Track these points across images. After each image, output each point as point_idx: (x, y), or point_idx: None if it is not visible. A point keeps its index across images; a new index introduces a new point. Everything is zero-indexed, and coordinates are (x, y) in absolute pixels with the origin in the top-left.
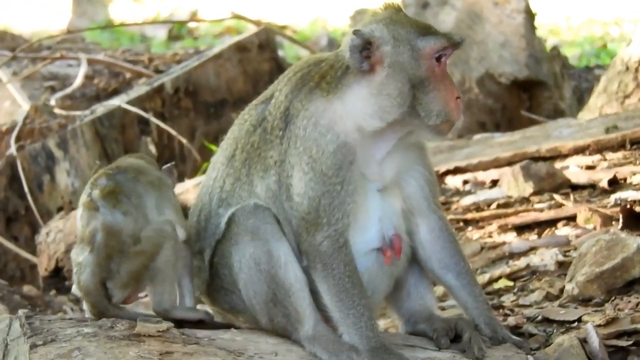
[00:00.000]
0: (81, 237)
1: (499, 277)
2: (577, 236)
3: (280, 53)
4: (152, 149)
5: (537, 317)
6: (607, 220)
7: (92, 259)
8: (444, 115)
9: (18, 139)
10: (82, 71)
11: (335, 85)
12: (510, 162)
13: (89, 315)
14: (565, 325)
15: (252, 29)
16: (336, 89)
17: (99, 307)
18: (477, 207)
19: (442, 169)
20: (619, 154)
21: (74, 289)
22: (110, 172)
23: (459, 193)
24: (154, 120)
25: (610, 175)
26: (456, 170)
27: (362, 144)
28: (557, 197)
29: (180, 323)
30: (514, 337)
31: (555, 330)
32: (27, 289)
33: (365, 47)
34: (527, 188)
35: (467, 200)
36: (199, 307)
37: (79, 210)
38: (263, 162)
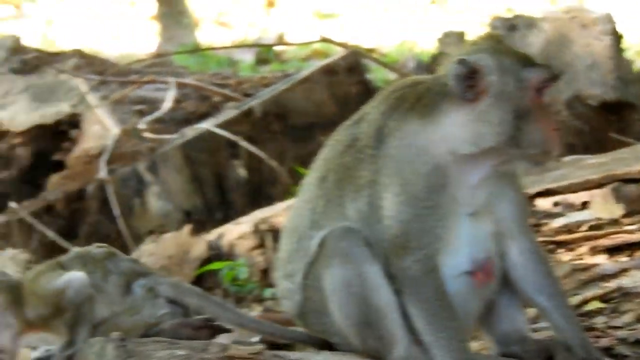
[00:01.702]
0: None
1: (591, 299)
2: None
3: (368, 76)
4: (242, 172)
5: (630, 338)
6: None
7: None
8: (544, 146)
9: (108, 162)
10: (171, 95)
11: (432, 109)
12: (600, 184)
13: None
14: None
15: (339, 52)
16: (432, 113)
17: None
18: (568, 229)
19: (533, 190)
20: None
21: None
22: None
23: (549, 215)
24: (244, 143)
25: None
26: (547, 192)
27: (456, 168)
28: None
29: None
30: (606, 359)
31: None
32: None
33: (470, 76)
34: (618, 210)
35: (557, 222)
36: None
37: None
38: (355, 182)
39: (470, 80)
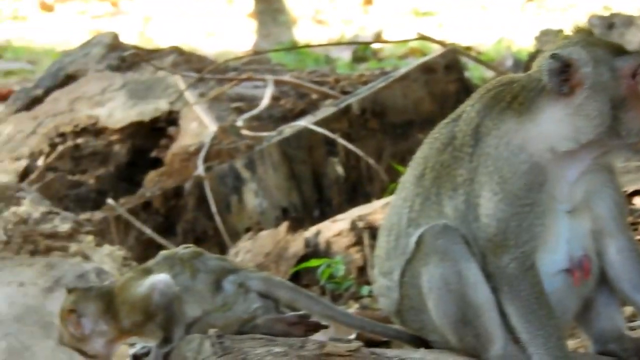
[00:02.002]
0: None
1: None
2: None
3: (466, 74)
4: (339, 169)
5: None
6: None
7: None
8: None
9: (206, 160)
10: (268, 92)
11: (528, 106)
12: None
13: None
14: None
15: (437, 50)
16: (529, 111)
17: None
18: None
19: (630, 189)
20: None
21: None
22: None
23: None
24: (341, 141)
25: None
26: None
27: (554, 166)
28: None
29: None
30: None
31: None
32: None
33: (564, 70)
34: None
35: None
36: None
37: None
38: (452, 180)
39: (564, 75)
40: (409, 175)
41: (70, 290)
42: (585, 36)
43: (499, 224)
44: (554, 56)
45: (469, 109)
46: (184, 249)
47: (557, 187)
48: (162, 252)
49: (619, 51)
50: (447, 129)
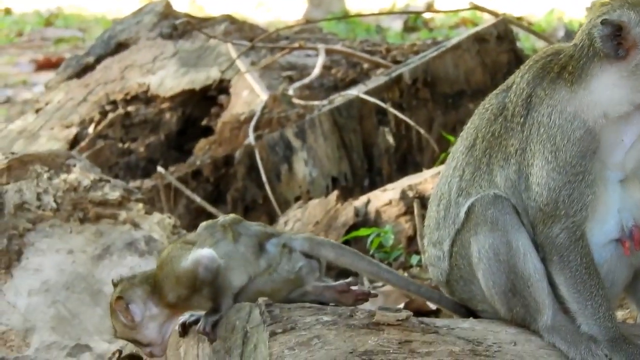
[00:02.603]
0: None
1: None
2: None
3: (517, 45)
4: (390, 139)
5: None
6: None
7: None
8: None
9: (256, 128)
10: (320, 61)
11: (579, 75)
12: None
13: None
14: None
15: (489, 20)
16: (580, 79)
17: None
18: None
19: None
20: None
21: None
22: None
23: None
24: (392, 110)
25: None
26: None
27: (607, 132)
28: None
29: None
30: None
31: None
32: None
33: (616, 34)
34: None
35: None
36: None
37: None
38: (504, 150)
39: (617, 39)
40: (459, 145)
41: (116, 283)
42: None
43: (551, 193)
44: (604, 22)
45: (518, 79)
46: (224, 217)
47: (610, 155)
48: (202, 223)
49: None
50: (497, 100)
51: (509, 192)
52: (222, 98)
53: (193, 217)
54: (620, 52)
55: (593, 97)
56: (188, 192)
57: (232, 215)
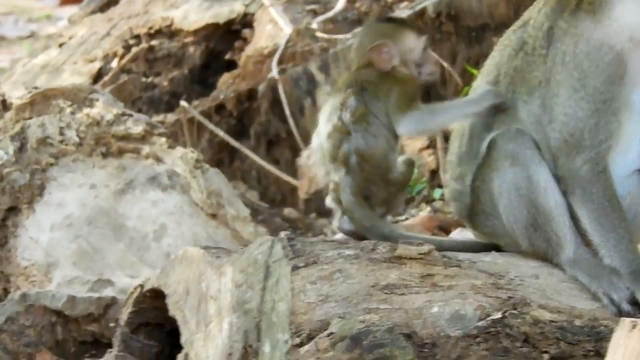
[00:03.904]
0: (332, 156)
1: None
2: None
3: None
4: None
5: None
6: None
7: (350, 181)
8: None
9: (280, 62)
10: None
11: (600, 3)
12: None
13: (340, 229)
14: None
15: None
16: (602, 7)
17: (365, 223)
18: None
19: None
20: None
21: (329, 202)
22: (358, 92)
23: None
24: None
25: None
26: None
27: (635, 57)
28: None
29: None
30: None
31: None
32: (288, 211)
33: None
34: None
35: None
36: None
37: (326, 127)
38: (527, 84)
39: None
40: (481, 82)
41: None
42: None
43: (578, 123)
44: None
45: (535, 14)
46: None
47: (638, 80)
48: None
49: None
50: (516, 36)
51: (532, 128)
52: (245, 32)
53: (216, 152)
54: None
55: (618, 23)
56: (211, 127)
57: None
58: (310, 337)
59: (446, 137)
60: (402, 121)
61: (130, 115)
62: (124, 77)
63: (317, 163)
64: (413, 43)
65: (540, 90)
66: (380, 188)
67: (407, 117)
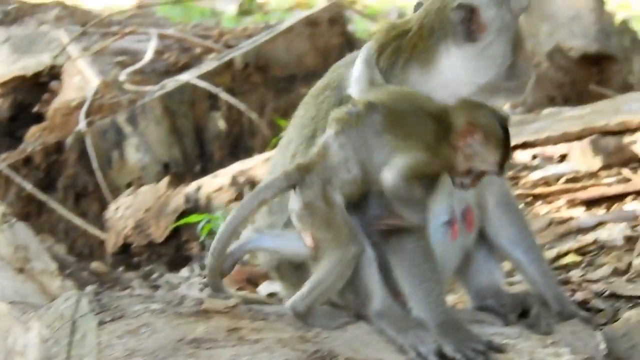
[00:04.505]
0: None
1: (567, 252)
2: None
3: (350, 28)
4: (221, 124)
5: (605, 292)
6: None
7: None
8: (529, 73)
9: (88, 114)
10: (152, 46)
11: (430, 57)
12: (579, 137)
13: None
14: (634, 300)
15: (322, 4)
16: (431, 60)
17: None
18: (546, 182)
19: (511, 143)
20: None
21: None
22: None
23: (527, 168)
24: (224, 95)
25: None
26: (525, 145)
27: None
28: (625, 171)
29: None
30: (581, 312)
31: (623, 306)
32: (95, 265)
33: (468, 17)
34: (596, 162)
35: (535, 175)
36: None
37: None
38: None
39: (468, 22)
40: (296, 133)
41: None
42: None
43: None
44: (459, 6)
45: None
46: None
47: None
48: None
49: None
50: (334, 90)
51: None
52: (54, 84)
53: (24, 205)
54: (471, 36)
55: (443, 77)
56: (19, 180)
57: None
58: None
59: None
60: None
61: None
62: None
63: None
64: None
65: None
66: None
67: None
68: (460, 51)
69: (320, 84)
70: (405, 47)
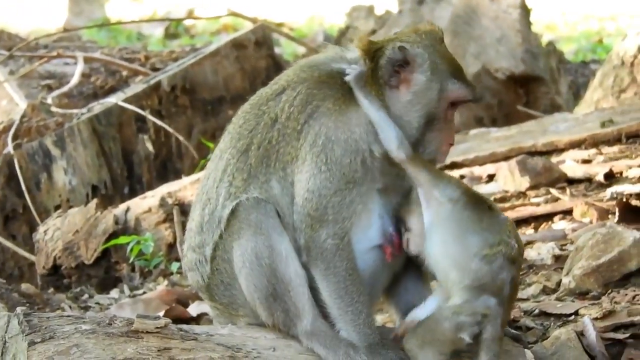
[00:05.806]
0: (485, 284)
1: None
2: (574, 230)
3: (277, 50)
4: (149, 146)
5: (535, 310)
6: (604, 214)
7: (501, 311)
8: (433, 155)
9: (15, 137)
10: (79, 69)
11: (349, 102)
12: (506, 157)
13: None
14: (563, 319)
15: (249, 26)
16: (349, 107)
17: None
18: None
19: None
20: (615, 148)
21: None
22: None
23: None
24: (151, 118)
25: (606, 169)
26: (453, 166)
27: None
28: (553, 191)
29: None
30: (511, 330)
31: (552, 324)
32: (25, 287)
33: (401, 64)
34: (524, 182)
35: None
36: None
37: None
38: (282, 160)
39: (399, 68)
40: (229, 147)
41: None
42: (436, 43)
43: (321, 200)
44: (401, 48)
45: (290, 89)
46: None
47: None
48: None
49: (458, 75)
50: (275, 102)
51: (278, 198)
52: None
53: None
54: (392, 81)
55: (391, 111)
56: None
57: None
58: None
59: (183, 211)
60: None
61: None
62: None
63: None
64: None
65: (291, 167)
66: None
67: None
68: (387, 89)
69: (264, 92)
70: (331, 82)
